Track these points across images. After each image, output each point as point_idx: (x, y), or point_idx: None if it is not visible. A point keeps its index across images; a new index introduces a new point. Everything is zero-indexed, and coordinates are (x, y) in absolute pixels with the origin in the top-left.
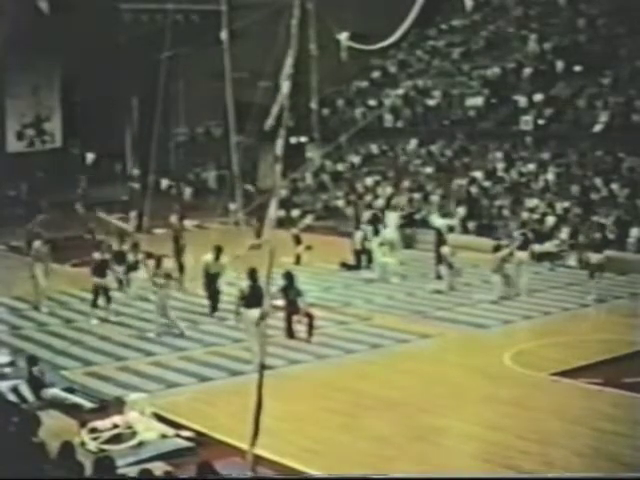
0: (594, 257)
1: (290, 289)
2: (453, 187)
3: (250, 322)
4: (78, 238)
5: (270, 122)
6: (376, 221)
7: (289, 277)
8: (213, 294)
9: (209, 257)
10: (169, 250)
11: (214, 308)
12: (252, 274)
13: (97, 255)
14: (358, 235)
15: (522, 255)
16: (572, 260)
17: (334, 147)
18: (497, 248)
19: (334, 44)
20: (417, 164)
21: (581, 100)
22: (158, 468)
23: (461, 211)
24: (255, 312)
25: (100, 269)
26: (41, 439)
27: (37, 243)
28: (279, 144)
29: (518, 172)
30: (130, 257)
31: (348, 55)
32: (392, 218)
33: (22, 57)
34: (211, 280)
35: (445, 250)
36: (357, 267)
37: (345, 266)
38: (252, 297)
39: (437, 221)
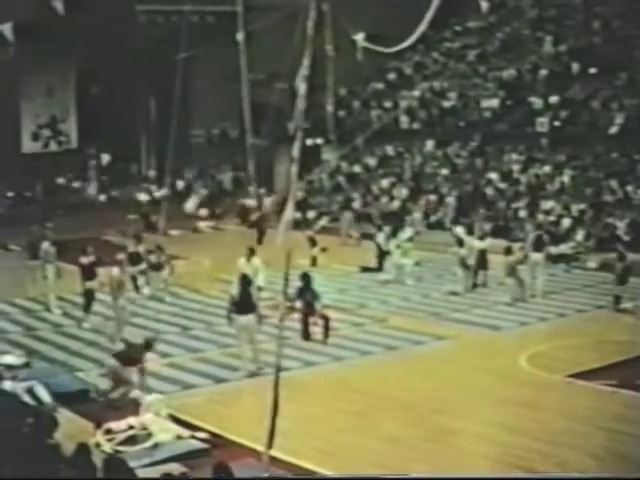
0: (619, 265)
1: (306, 291)
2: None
3: (241, 328)
4: (93, 239)
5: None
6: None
7: (306, 279)
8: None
9: (242, 260)
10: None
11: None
12: (243, 280)
13: (84, 259)
14: (381, 236)
15: (537, 257)
16: (591, 262)
17: (350, 149)
18: (509, 250)
19: (350, 45)
20: (434, 166)
21: (596, 102)
22: (173, 469)
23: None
24: (246, 318)
25: (89, 273)
26: (57, 440)
27: (45, 244)
28: (296, 146)
29: (534, 174)
30: (153, 258)
31: (364, 56)
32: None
33: (37, 58)
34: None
35: (462, 252)
36: (379, 269)
37: (366, 270)
38: (243, 303)
39: None
